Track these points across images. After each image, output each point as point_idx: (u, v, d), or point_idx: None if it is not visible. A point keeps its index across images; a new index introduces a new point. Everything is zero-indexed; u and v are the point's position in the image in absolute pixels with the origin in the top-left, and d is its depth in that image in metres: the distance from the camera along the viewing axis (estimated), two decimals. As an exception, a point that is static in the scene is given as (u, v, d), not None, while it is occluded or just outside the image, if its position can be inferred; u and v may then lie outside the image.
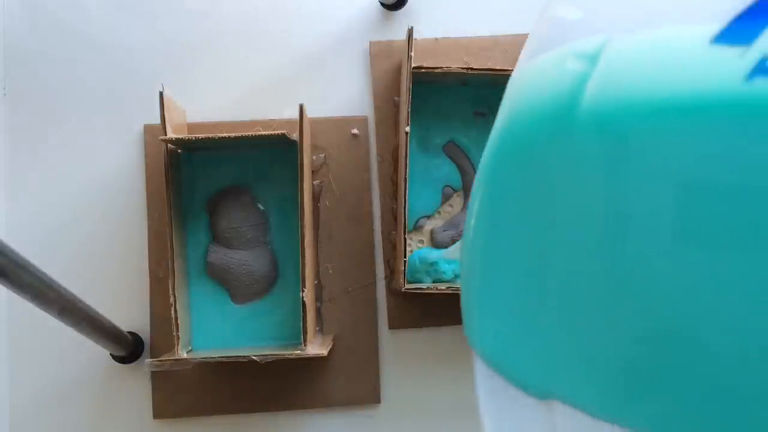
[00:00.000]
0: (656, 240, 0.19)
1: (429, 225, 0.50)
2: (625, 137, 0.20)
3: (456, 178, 0.50)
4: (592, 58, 0.23)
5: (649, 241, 0.20)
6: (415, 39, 0.46)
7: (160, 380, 0.49)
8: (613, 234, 0.20)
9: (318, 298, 0.50)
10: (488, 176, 0.27)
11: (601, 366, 0.22)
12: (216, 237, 0.49)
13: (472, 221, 0.28)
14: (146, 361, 0.42)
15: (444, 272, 0.48)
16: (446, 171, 0.50)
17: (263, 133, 0.46)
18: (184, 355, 0.45)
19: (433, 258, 0.48)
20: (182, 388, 0.49)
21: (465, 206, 0.50)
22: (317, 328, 0.50)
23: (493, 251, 0.26)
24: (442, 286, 0.45)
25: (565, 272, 0.22)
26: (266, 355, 0.42)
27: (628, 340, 0.21)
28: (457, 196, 0.50)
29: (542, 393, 0.24)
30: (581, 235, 0.22)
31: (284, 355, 0.42)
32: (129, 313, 0.49)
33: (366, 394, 0.49)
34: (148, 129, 0.50)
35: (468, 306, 0.29)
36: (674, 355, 0.20)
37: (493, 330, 0.27)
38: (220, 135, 0.45)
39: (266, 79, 0.52)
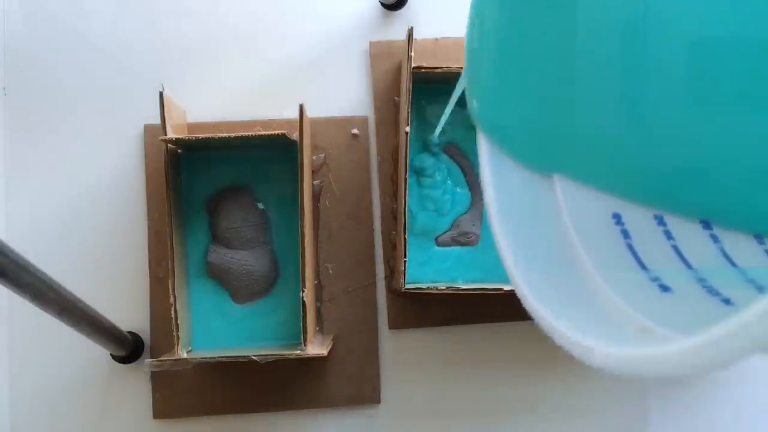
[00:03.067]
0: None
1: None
2: None
3: (458, 178, 0.50)
4: None
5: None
6: (415, 39, 0.46)
7: (160, 380, 0.49)
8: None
9: (318, 298, 0.50)
10: None
11: (615, 154, 0.25)
12: (216, 237, 0.49)
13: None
14: (146, 361, 0.42)
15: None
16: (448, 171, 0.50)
17: (263, 133, 0.46)
18: (184, 355, 0.45)
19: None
20: (182, 388, 0.49)
21: (467, 206, 0.50)
22: (317, 328, 0.50)
23: (511, 31, 0.28)
24: (442, 286, 0.45)
25: (586, 54, 0.25)
26: (266, 355, 0.42)
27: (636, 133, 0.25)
28: (457, 196, 0.50)
29: (548, 168, 0.27)
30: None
31: (284, 355, 0.42)
32: (129, 313, 0.49)
33: (366, 394, 0.49)
34: (148, 129, 0.50)
35: (477, 85, 0.30)
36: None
37: (504, 108, 0.28)
38: (220, 135, 0.45)
39: (266, 79, 0.52)
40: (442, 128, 0.50)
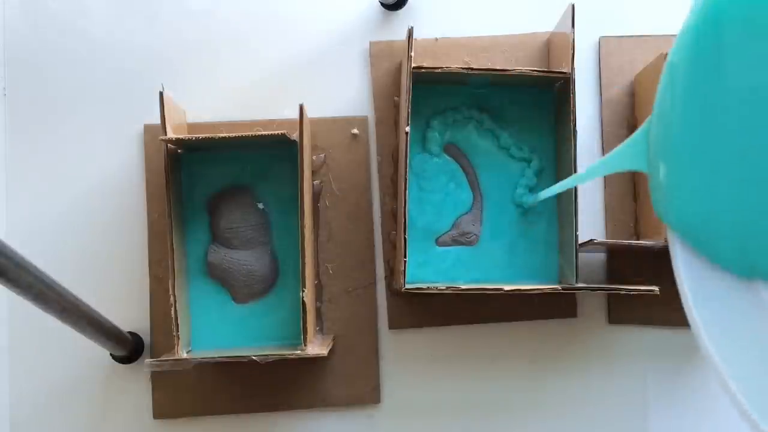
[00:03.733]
0: None
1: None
2: None
3: (460, 178, 0.50)
4: None
5: None
6: (415, 39, 0.46)
7: (160, 380, 0.49)
8: None
9: (318, 298, 0.50)
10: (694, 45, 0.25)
11: None
12: (216, 237, 0.49)
13: (670, 96, 0.26)
14: (146, 361, 0.42)
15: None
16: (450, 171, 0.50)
17: (263, 133, 0.46)
18: (184, 355, 0.45)
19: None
20: (182, 388, 0.49)
21: (468, 207, 0.50)
22: (317, 328, 0.50)
23: (704, 124, 0.25)
24: (442, 286, 0.45)
25: None
26: (266, 355, 0.42)
27: None
28: (457, 196, 0.50)
29: (752, 272, 0.24)
30: None
31: (284, 355, 0.42)
32: (129, 313, 0.49)
33: (366, 394, 0.49)
34: (148, 129, 0.50)
35: (665, 186, 0.27)
36: None
37: (696, 209, 0.26)
38: (220, 135, 0.45)
39: (266, 79, 0.52)
40: (442, 128, 0.50)
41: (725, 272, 0.25)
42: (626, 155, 0.31)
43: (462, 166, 0.50)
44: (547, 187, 0.50)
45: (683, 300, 0.25)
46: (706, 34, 0.24)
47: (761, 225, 0.24)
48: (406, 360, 0.50)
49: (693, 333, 0.25)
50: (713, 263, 0.25)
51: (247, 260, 0.49)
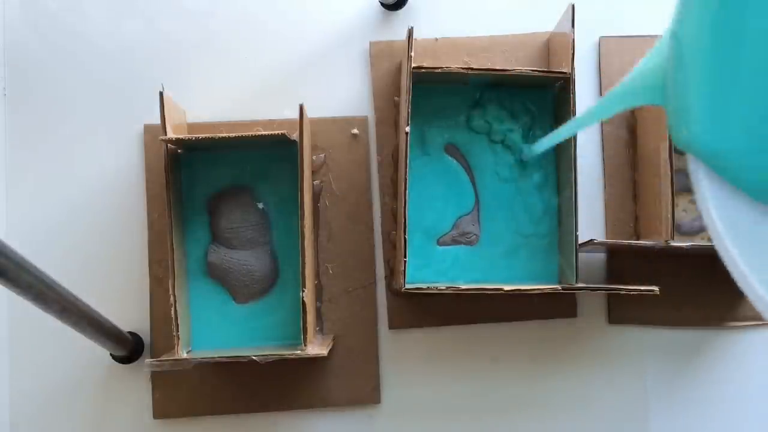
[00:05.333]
0: None
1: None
2: None
3: (460, 179, 0.50)
4: None
5: None
6: (415, 39, 0.46)
7: (160, 380, 0.49)
8: None
9: (318, 298, 0.50)
10: None
11: None
12: (216, 237, 0.49)
13: (693, 32, 0.24)
14: (146, 361, 0.42)
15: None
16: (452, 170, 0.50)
17: (263, 133, 0.46)
18: (184, 355, 0.45)
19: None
20: (182, 388, 0.49)
21: (471, 207, 0.50)
22: (317, 328, 0.50)
23: (732, 55, 0.23)
24: (442, 286, 0.45)
25: None
26: (266, 355, 0.42)
27: None
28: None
29: None
30: None
31: (284, 355, 0.42)
32: (129, 313, 0.49)
33: (366, 394, 0.49)
34: (148, 129, 0.50)
35: (690, 117, 0.26)
36: None
37: (721, 137, 0.24)
38: (220, 135, 0.45)
39: (266, 79, 0.52)
40: (442, 128, 0.50)
41: (750, 198, 0.24)
42: (638, 84, 0.30)
43: (462, 166, 0.50)
44: (547, 187, 0.50)
45: (711, 230, 0.24)
46: None
47: None
48: (406, 360, 0.50)
49: (726, 262, 0.24)
50: (738, 188, 0.24)
51: (247, 260, 0.49)
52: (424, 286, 0.45)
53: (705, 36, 0.24)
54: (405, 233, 0.44)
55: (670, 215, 0.44)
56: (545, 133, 0.50)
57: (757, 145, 0.24)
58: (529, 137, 0.50)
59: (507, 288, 0.44)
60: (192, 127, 0.50)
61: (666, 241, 0.44)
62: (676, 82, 0.27)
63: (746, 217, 0.25)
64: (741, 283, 0.23)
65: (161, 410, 0.49)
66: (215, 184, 0.49)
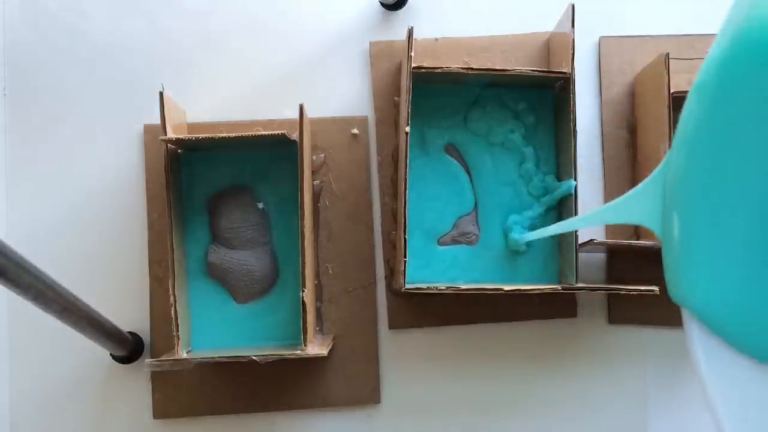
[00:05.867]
0: None
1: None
2: None
3: (460, 179, 0.50)
4: None
5: None
6: (415, 39, 0.46)
7: (160, 380, 0.49)
8: None
9: (318, 298, 0.50)
10: (706, 111, 0.22)
11: None
12: (216, 237, 0.49)
13: (694, 123, 0.23)
14: (146, 361, 0.42)
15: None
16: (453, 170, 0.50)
17: (263, 133, 0.46)
18: (184, 355, 0.45)
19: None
20: (182, 388, 0.49)
21: (471, 208, 0.50)
22: (317, 328, 0.50)
23: (722, 201, 0.23)
24: (442, 286, 0.45)
25: None
26: (266, 355, 0.42)
27: None
28: (457, 196, 0.50)
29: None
30: None
31: (284, 355, 0.42)
32: (129, 313, 0.49)
33: (366, 394, 0.49)
34: (148, 129, 0.50)
35: (681, 267, 0.25)
36: None
37: (718, 292, 0.24)
38: (220, 135, 0.45)
39: (266, 79, 0.52)
40: (442, 129, 0.50)
41: (743, 356, 0.23)
42: (636, 204, 0.28)
43: (462, 166, 0.50)
44: (547, 186, 0.50)
45: (702, 386, 0.24)
46: (741, 57, 0.22)
47: None
48: (406, 360, 0.50)
49: (713, 417, 0.23)
50: (731, 346, 0.24)
51: (247, 260, 0.49)
52: (424, 286, 0.45)
53: (703, 153, 0.24)
54: (405, 233, 0.44)
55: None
56: (545, 132, 0.50)
57: (751, 308, 0.23)
58: (529, 137, 0.50)
59: (507, 288, 0.44)
60: (192, 127, 0.50)
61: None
62: (672, 206, 0.26)
63: (736, 374, 0.24)
64: None
65: (161, 410, 0.49)
66: (215, 184, 0.49)
